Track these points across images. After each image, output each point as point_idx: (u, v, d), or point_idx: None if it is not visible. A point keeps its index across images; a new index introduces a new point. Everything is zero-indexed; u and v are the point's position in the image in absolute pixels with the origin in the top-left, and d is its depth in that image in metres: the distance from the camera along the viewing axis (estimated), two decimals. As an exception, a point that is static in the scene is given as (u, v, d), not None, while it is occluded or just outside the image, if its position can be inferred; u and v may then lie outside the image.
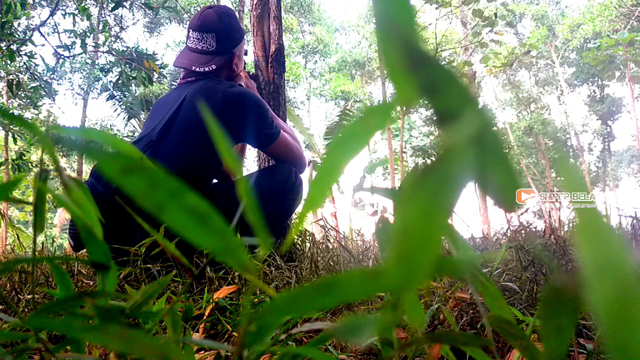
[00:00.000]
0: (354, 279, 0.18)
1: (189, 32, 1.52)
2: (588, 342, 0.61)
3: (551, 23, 17.23)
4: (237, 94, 1.39)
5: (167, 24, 17.30)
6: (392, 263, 0.16)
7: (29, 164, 7.23)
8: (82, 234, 0.31)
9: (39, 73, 7.65)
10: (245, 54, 1.69)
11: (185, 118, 1.38)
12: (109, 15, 8.49)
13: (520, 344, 0.28)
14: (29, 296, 0.89)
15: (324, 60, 19.38)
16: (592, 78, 17.47)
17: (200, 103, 1.37)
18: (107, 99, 13.01)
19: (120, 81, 6.91)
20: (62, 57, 6.00)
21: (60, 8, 5.85)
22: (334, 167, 0.22)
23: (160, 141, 1.37)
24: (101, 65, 9.07)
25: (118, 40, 7.89)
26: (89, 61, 12.23)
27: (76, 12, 5.65)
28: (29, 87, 7.23)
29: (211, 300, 0.78)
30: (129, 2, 6.40)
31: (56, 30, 6.73)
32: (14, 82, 6.29)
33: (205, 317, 0.75)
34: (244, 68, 1.67)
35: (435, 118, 0.19)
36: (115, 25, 8.37)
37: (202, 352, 0.61)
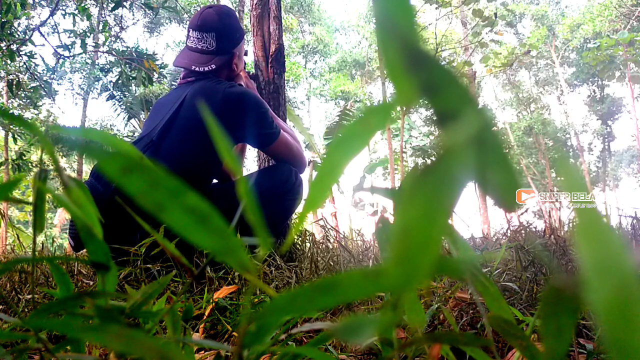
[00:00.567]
0: (354, 279, 0.18)
1: (189, 31, 1.52)
2: (588, 342, 0.61)
3: (551, 23, 17.24)
4: (237, 94, 1.39)
5: (167, 24, 17.30)
6: (392, 263, 0.16)
7: (29, 164, 7.23)
8: (82, 234, 0.31)
9: (39, 73, 7.66)
10: (246, 54, 1.69)
11: (185, 118, 1.38)
12: (109, 15, 8.49)
13: (520, 344, 0.28)
14: (29, 296, 0.88)
15: (324, 60, 19.38)
16: (592, 78, 17.47)
17: (201, 103, 1.37)
18: (107, 99, 13.02)
19: (120, 81, 6.92)
20: (62, 57, 6.00)
21: (60, 8, 5.85)
22: (334, 167, 0.22)
23: (161, 141, 1.37)
24: (101, 65, 9.08)
25: (118, 40, 7.90)
26: (89, 61, 12.23)
27: (76, 12, 5.65)
28: (29, 87, 7.23)
29: (211, 300, 0.78)
30: (129, 2, 6.40)
31: (56, 30, 6.73)
32: (14, 82, 6.29)
33: (205, 317, 0.75)
34: (244, 68, 1.67)
35: (435, 118, 0.19)
36: (115, 25, 8.37)
37: (202, 352, 0.61)
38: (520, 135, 16.70)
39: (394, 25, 0.18)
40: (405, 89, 0.18)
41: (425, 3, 6.49)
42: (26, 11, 5.85)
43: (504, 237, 1.43)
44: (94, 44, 6.96)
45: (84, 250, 1.35)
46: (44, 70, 8.29)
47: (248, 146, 1.73)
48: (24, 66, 6.32)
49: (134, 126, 13.87)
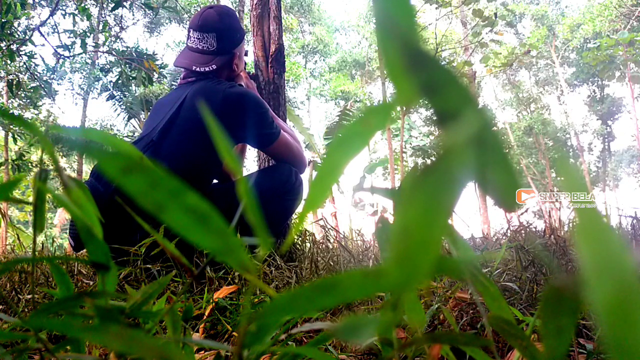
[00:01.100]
0: (354, 279, 0.18)
1: (189, 32, 1.52)
2: (588, 342, 0.61)
3: (551, 23, 17.24)
4: (238, 94, 1.39)
5: (167, 24, 17.30)
6: (392, 263, 0.16)
7: (29, 164, 7.24)
8: (82, 234, 0.31)
9: (39, 73, 7.66)
10: (246, 54, 1.69)
11: (185, 118, 1.38)
12: (109, 15, 8.49)
13: (520, 344, 0.28)
14: (29, 296, 0.88)
15: (324, 60, 19.38)
16: (592, 78, 17.46)
17: (201, 103, 1.37)
18: (107, 99, 13.02)
19: (120, 81, 6.92)
20: (62, 57, 6.00)
21: (60, 8, 5.85)
22: (334, 167, 0.22)
23: (161, 141, 1.37)
24: (101, 65, 9.07)
25: (118, 40, 7.90)
26: (89, 61, 12.23)
27: (76, 12, 5.65)
28: (29, 87, 7.24)
29: (211, 300, 0.78)
30: (129, 2, 6.40)
31: (56, 30, 6.73)
32: (14, 82, 6.30)
33: (205, 317, 0.75)
34: (244, 68, 1.67)
35: (435, 118, 0.19)
36: (115, 25, 8.37)
37: (202, 352, 0.61)
38: (520, 135, 16.70)
39: (394, 25, 0.18)
40: (405, 89, 0.18)
41: (425, 3, 6.49)
42: (26, 11, 5.84)
43: (504, 237, 1.42)
44: (94, 44, 6.96)
45: (84, 250, 1.35)
46: (44, 70, 8.30)
47: (248, 146, 1.73)
48: (24, 66, 6.32)
49: (134, 126, 13.87)
